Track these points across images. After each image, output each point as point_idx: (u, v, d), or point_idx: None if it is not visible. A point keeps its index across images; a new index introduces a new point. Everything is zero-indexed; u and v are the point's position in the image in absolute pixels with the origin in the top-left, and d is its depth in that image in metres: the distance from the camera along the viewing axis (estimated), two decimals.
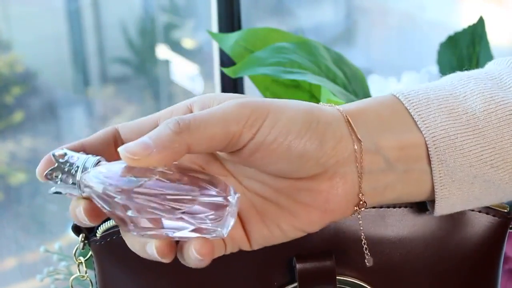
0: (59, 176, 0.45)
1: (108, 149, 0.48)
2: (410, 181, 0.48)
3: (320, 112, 0.47)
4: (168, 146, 0.43)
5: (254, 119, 0.45)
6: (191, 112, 0.48)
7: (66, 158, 0.45)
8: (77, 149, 0.47)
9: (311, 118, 0.46)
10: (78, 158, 0.45)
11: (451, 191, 0.48)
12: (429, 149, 0.47)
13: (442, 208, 0.49)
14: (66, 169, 0.45)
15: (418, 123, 0.47)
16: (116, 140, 0.49)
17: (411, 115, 0.48)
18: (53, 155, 0.46)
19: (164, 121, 0.45)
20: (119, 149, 0.43)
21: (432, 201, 0.50)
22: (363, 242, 0.50)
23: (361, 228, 0.50)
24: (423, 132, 0.47)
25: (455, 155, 0.47)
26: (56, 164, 0.45)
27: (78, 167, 0.45)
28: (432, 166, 0.47)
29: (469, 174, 0.48)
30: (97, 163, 0.45)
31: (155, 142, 0.43)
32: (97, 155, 0.46)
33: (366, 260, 0.50)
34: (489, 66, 0.52)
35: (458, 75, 0.51)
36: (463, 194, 0.48)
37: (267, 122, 0.45)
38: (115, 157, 0.46)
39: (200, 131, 0.44)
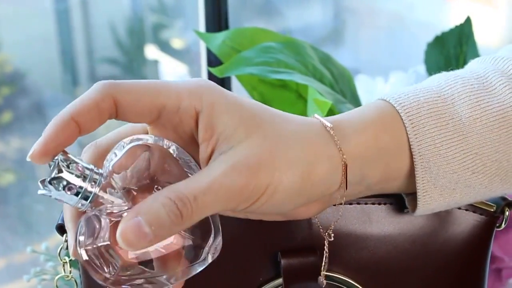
0: (65, 173, 0.44)
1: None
2: (390, 187, 0.49)
3: (318, 170, 0.46)
4: (168, 234, 0.43)
5: (249, 194, 0.44)
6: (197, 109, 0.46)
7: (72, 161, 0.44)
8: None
9: (307, 186, 0.46)
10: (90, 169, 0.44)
11: (433, 197, 0.49)
12: (414, 158, 0.47)
13: (423, 211, 0.50)
14: (74, 171, 0.44)
15: (408, 130, 0.48)
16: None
17: (403, 121, 0.48)
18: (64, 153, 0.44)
19: (161, 197, 0.42)
20: (117, 236, 0.42)
21: (411, 200, 0.50)
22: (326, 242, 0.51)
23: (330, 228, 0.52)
24: (411, 141, 0.48)
25: (439, 162, 0.48)
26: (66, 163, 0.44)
27: (96, 177, 0.44)
28: (416, 173, 0.48)
29: (451, 181, 0.48)
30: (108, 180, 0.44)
31: (155, 232, 0.41)
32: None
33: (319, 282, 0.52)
34: (474, 64, 0.52)
35: (445, 75, 0.51)
36: (444, 199, 0.49)
37: (264, 198, 0.44)
38: None
39: (202, 214, 0.43)
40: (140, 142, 0.45)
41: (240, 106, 0.45)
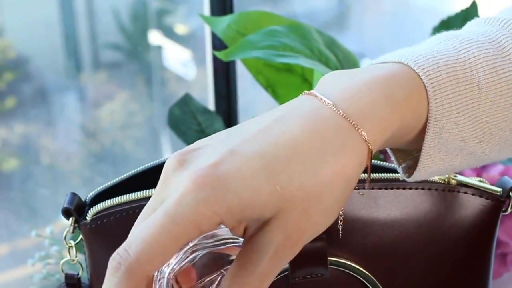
0: None
1: None
2: (395, 145, 0.47)
3: (350, 176, 0.43)
4: None
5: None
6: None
7: None
8: None
9: (347, 195, 0.43)
10: None
11: (434, 161, 0.47)
12: (428, 122, 0.46)
13: (420, 176, 0.48)
14: None
15: (429, 96, 0.46)
16: None
17: (425, 87, 0.46)
18: None
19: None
20: None
21: (407, 167, 0.49)
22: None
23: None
24: (430, 106, 0.46)
25: (452, 129, 0.46)
26: None
27: None
28: (426, 137, 0.46)
29: (457, 148, 0.47)
30: None
31: None
32: None
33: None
34: (478, 26, 0.51)
35: (457, 37, 0.49)
36: (443, 164, 0.48)
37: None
38: None
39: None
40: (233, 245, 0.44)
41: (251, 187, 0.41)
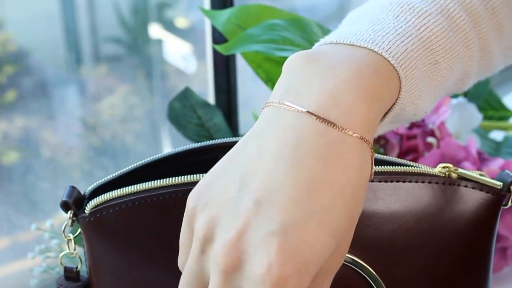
0: None
1: None
2: None
3: (356, 186, 0.44)
4: None
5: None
6: None
7: None
8: None
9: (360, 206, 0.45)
10: None
11: (381, 130, 0.50)
12: (394, 106, 0.48)
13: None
14: None
15: (402, 85, 0.47)
16: None
17: (399, 77, 0.47)
18: None
19: None
20: None
21: None
22: None
23: None
24: (401, 94, 0.47)
25: (410, 109, 0.48)
26: None
27: None
28: (386, 117, 0.48)
29: (406, 119, 0.50)
30: None
31: None
32: None
33: None
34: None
35: (412, 9, 0.49)
36: (386, 128, 0.50)
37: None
38: None
39: None
40: None
41: None
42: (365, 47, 0.46)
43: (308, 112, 0.43)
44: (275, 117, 0.44)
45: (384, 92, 0.46)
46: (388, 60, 0.46)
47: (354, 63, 0.45)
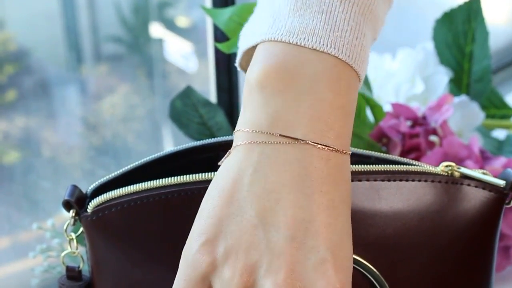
0: None
1: None
2: None
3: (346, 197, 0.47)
4: None
5: None
6: None
7: None
8: None
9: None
10: None
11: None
12: None
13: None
14: None
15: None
16: None
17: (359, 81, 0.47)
18: None
19: None
20: None
21: None
22: None
23: None
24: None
25: None
26: None
27: None
28: None
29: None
30: None
31: None
32: None
33: None
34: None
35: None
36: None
37: None
38: None
39: None
40: None
41: None
42: (329, 53, 0.46)
43: (308, 143, 0.44)
44: (271, 151, 0.44)
45: (354, 99, 0.47)
46: (352, 67, 0.46)
47: (330, 81, 0.45)
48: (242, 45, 0.50)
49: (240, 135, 0.46)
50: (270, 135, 0.44)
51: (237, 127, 0.46)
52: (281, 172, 0.44)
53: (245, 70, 0.52)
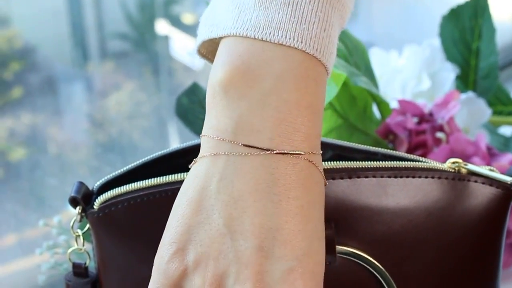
0: None
1: None
2: None
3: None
4: None
5: None
6: None
7: None
8: None
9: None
10: None
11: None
12: None
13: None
14: None
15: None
16: None
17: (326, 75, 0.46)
18: None
19: None
20: None
21: None
22: None
23: None
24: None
25: None
26: None
27: None
28: None
29: None
30: None
31: None
32: None
33: None
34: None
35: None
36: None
37: None
38: None
39: None
40: None
41: None
42: (295, 48, 0.44)
43: (274, 152, 0.43)
44: (236, 158, 0.43)
45: (323, 95, 0.45)
46: (320, 61, 0.45)
47: (296, 79, 0.44)
48: (203, 33, 0.47)
49: (206, 141, 0.44)
50: (235, 143, 0.43)
51: (203, 132, 0.45)
52: (247, 180, 0.43)
53: (204, 57, 0.50)
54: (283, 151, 0.43)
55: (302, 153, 0.43)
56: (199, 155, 0.45)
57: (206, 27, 0.47)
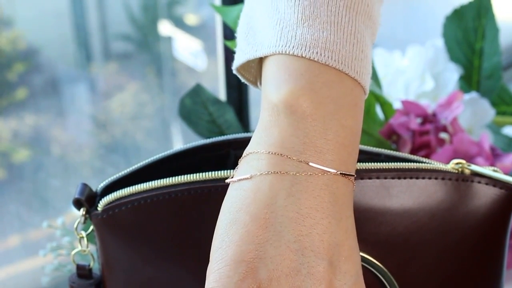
0: None
1: None
2: None
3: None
4: None
5: None
6: None
7: None
8: None
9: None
10: None
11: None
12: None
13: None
14: None
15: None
16: None
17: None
18: None
19: None
20: None
21: None
22: None
23: None
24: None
25: None
26: None
27: None
28: None
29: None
30: None
31: None
32: None
33: None
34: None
35: (347, 8, 0.47)
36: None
37: None
38: None
39: None
40: None
41: None
42: (347, 74, 0.46)
43: (336, 173, 0.45)
44: (303, 179, 0.44)
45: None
46: (360, 83, 0.46)
47: (350, 106, 0.46)
48: (245, 52, 0.48)
49: (266, 157, 0.45)
50: (302, 162, 0.44)
51: (257, 148, 0.45)
52: (314, 198, 0.44)
53: (241, 75, 0.51)
54: (341, 173, 0.45)
55: (354, 175, 0.46)
56: (256, 171, 0.45)
57: (246, 45, 0.48)
